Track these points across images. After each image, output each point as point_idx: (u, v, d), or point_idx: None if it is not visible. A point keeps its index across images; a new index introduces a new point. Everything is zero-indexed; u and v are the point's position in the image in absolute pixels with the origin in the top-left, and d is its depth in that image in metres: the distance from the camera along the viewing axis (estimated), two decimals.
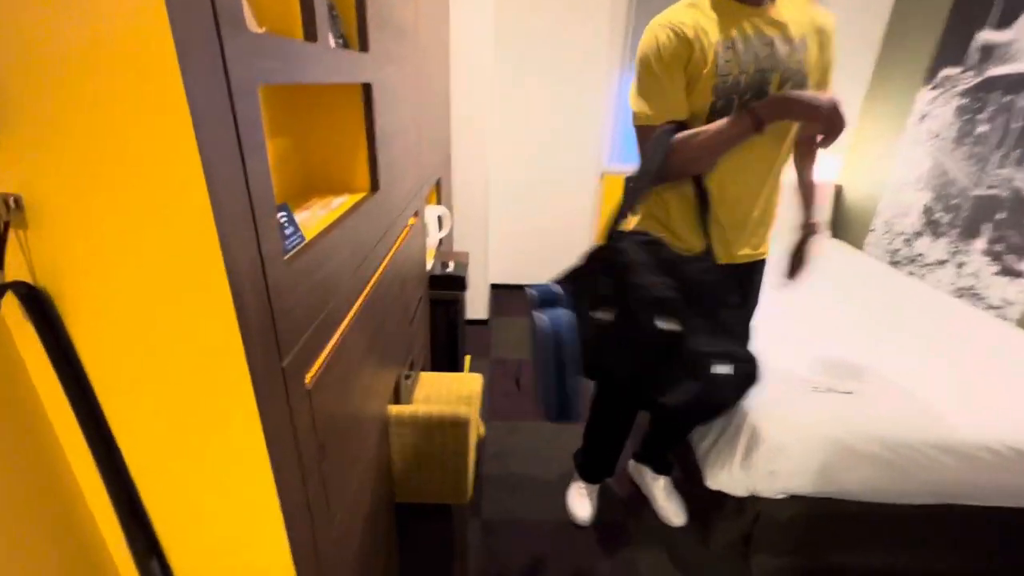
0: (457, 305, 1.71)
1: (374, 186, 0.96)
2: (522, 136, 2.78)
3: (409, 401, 1.32)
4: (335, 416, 0.75)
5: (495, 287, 3.19)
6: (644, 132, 1.03)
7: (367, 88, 0.86)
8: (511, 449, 1.85)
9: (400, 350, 1.21)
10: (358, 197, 0.91)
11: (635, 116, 1.04)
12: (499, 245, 3.02)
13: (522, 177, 2.89)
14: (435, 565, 1.36)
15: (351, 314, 0.82)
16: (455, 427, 1.12)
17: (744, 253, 1.16)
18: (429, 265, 1.73)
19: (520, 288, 3.19)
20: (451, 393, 1.47)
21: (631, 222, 1.25)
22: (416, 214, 1.41)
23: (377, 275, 0.98)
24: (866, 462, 1.24)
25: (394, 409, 1.10)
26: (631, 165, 1.05)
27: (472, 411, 1.35)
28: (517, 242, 3.05)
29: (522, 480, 1.70)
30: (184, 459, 0.54)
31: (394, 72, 1.05)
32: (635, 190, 0.99)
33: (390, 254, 1.10)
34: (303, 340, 0.61)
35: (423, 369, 1.62)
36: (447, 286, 1.69)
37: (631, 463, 1.73)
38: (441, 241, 2.04)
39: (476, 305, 2.69)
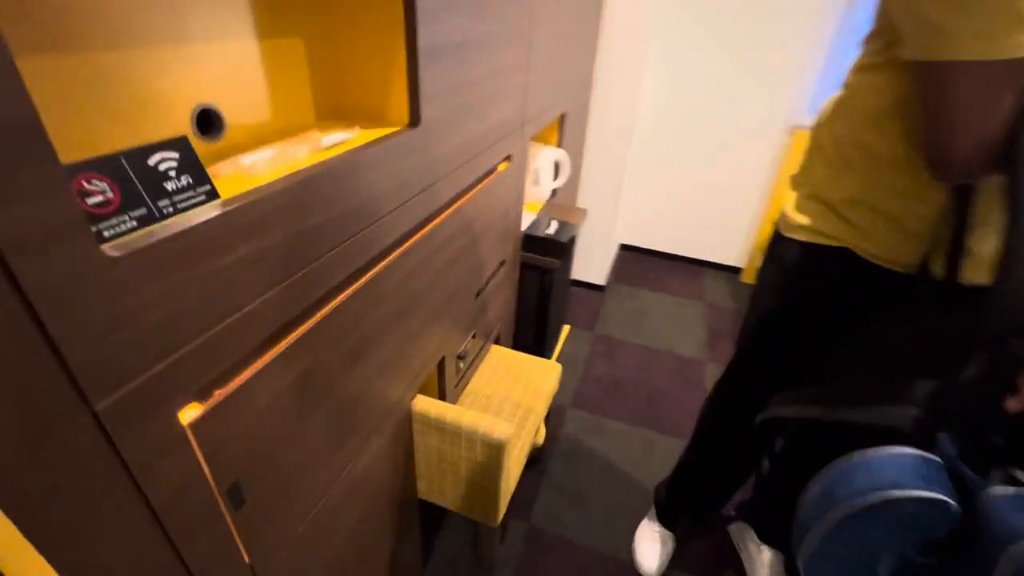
0: (553, 275, 1.41)
1: (413, 119, 0.68)
2: (687, 71, 2.20)
3: (457, 385, 1.11)
4: (279, 438, 0.55)
5: (626, 249, 2.78)
6: (958, 73, 0.55)
7: None
8: (588, 451, 1.57)
9: (451, 324, 0.98)
10: (381, 132, 0.65)
11: (938, 44, 0.54)
12: (636, 201, 2.56)
13: (678, 124, 2.33)
14: (461, 569, 1.20)
15: (334, 304, 0.59)
16: (488, 447, 0.87)
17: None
18: (528, 221, 1.43)
19: (654, 254, 2.73)
20: (516, 385, 1.22)
21: (795, 219, 0.81)
22: (509, 158, 1.11)
23: (412, 241, 0.73)
24: None
25: (419, 404, 0.89)
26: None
27: (526, 423, 1.10)
28: (659, 200, 2.56)
29: (589, 494, 1.44)
30: None
31: None
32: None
33: (449, 210, 0.83)
34: (177, 361, 0.40)
35: (501, 343, 1.40)
36: (544, 251, 1.39)
37: (733, 526, 1.34)
38: (555, 192, 1.72)
39: (594, 266, 2.34)
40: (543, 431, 1.22)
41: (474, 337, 1.16)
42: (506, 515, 1.34)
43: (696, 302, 2.37)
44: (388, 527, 0.94)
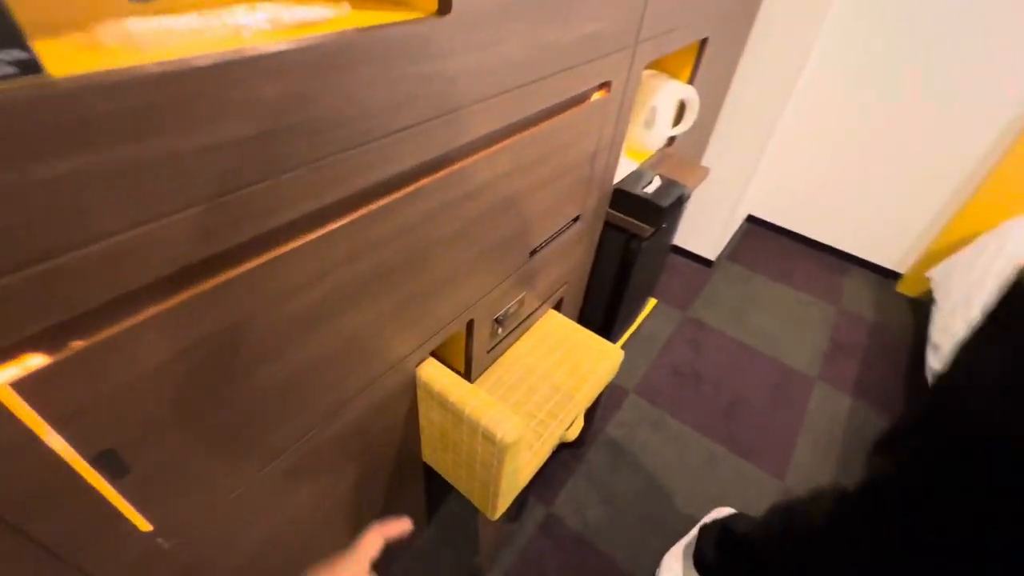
0: (640, 243, 1.16)
1: (443, 3, 0.47)
2: (885, 21, 1.61)
3: (491, 351, 0.96)
4: (187, 401, 0.44)
5: (753, 222, 2.34)
6: None
7: None
8: (638, 447, 1.38)
9: (485, 283, 0.81)
10: (384, 16, 0.46)
11: None
12: (781, 166, 2.08)
13: (855, 85, 1.77)
14: (461, 544, 1.12)
15: (282, 250, 0.45)
16: (489, 443, 0.72)
17: None
18: (625, 172, 1.17)
19: (788, 235, 2.26)
20: (563, 364, 1.05)
21: None
22: (607, 86, 0.85)
23: (425, 181, 0.56)
24: None
25: (425, 371, 0.76)
26: None
27: (558, 415, 0.93)
28: (810, 172, 2.05)
29: (624, 496, 1.26)
30: None
31: None
32: None
33: (497, 145, 0.64)
34: None
35: (564, 310, 1.21)
36: (636, 212, 1.13)
37: None
38: (672, 140, 1.40)
39: (706, 235, 1.99)
40: (579, 425, 1.05)
41: (522, 302, 0.98)
42: (526, 491, 1.22)
43: (826, 303, 1.93)
44: (382, 486, 0.86)
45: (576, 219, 1.02)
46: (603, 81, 0.83)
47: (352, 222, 0.50)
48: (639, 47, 0.87)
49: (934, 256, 1.87)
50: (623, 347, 1.59)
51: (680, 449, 1.38)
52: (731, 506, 1.25)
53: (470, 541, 1.14)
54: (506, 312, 0.94)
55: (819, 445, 1.42)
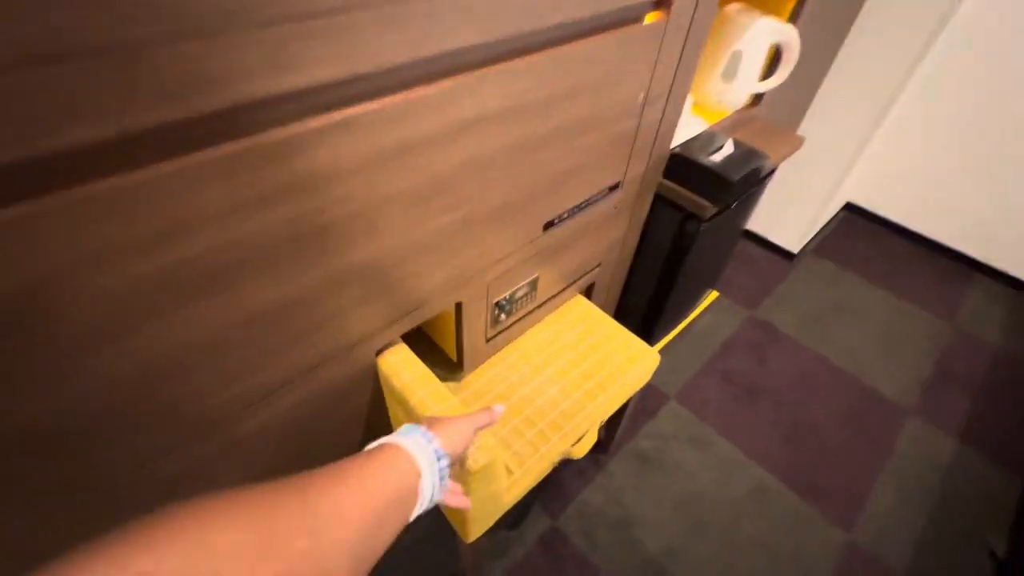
0: (699, 224, 0.93)
1: None
2: None
3: (491, 340, 0.80)
4: None
5: (853, 211, 1.96)
6: None
7: None
8: (670, 466, 1.17)
9: (475, 261, 0.64)
10: None
11: None
12: (896, 149, 1.69)
13: (996, 68, 1.35)
14: (444, 543, 0.99)
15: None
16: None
17: None
18: (689, 132, 0.93)
19: (896, 230, 1.87)
20: (581, 363, 0.87)
21: None
22: (662, 4, 0.62)
23: (364, 107, 0.39)
24: None
25: (384, 363, 0.61)
26: None
27: (561, 429, 0.76)
28: (935, 157, 1.65)
29: (644, 522, 1.08)
30: None
31: None
32: None
33: (485, 68, 0.45)
34: None
35: (593, 298, 1.01)
36: (696, 185, 0.89)
37: None
38: (760, 98, 1.12)
39: (789, 222, 1.67)
40: (591, 439, 0.86)
41: (535, 286, 0.80)
42: (532, 497, 1.08)
43: (937, 318, 1.58)
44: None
45: (615, 187, 0.81)
46: None
47: (227, 157, 0.34)
48: None
49: None
50: (670, 344, 1.37)
51: (723, 474, 1.16)
52: (781, 552, 1.03)
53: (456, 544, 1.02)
54: (511, 296, 0.77)
55: (904, 494, 1.15)
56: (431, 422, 0.40)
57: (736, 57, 0.96)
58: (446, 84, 0.44)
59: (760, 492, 1.13)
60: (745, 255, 1.75)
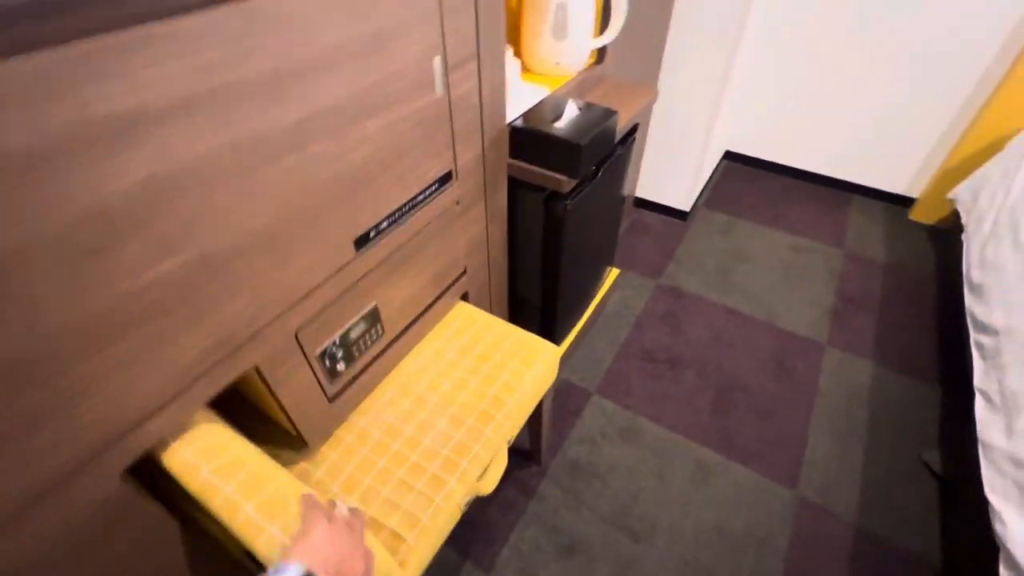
0: (563, 202, 0.81)
1: None
2: None
3: (335, 398, 0.64)
4: None
5: (733, 159, 1.98)
6: None
7: None
8: (605, 468, 1.06)
9: (264, 302, 0.47)
10: None
11: None
12: (760, 89, 1.71)
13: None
14: None
15: None
16: None
17: None
18: (520, 105, 0.81)
19: (777, 169, 1.91)
20: (466, 387, 0.73)
21: None
22: None
23: None
24: None
25: (174, 459, 0.42)
26: None
27: (455, 472, 0.61)
28: (797, 92, 1.68)
29: (591, 541, 0.95)
30: None
31: None
32: None
33: None
34: None
35: (479, 302, 0.87)
36: (547, 159, 0.78)
37: None
38: (603, 52, 1.03)
39: (674, 182, 1.63)
40: (500, 465, 0.72)
41: (378, 318, 0.64)
42: (461, 544, 0.92)
43: (828, 246, 1.59)
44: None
45: (446, 178, 0.67)
46: None
47: None
48: None
49: (952, 174, 1.53)
50: (581, 333, 1.26)
51: (660, 463, 1.06)
52: (734, 529, 0.94)
53: None
54: (344, 339, 0.61)
55: (838, 434, 1.11)
56: (295, 540, 0.38)
57: (562, 11, 0.86)
58: (69, 54, 0.27)
59: (701, 472, 1.04)
60: (642, 224, 1.69)
